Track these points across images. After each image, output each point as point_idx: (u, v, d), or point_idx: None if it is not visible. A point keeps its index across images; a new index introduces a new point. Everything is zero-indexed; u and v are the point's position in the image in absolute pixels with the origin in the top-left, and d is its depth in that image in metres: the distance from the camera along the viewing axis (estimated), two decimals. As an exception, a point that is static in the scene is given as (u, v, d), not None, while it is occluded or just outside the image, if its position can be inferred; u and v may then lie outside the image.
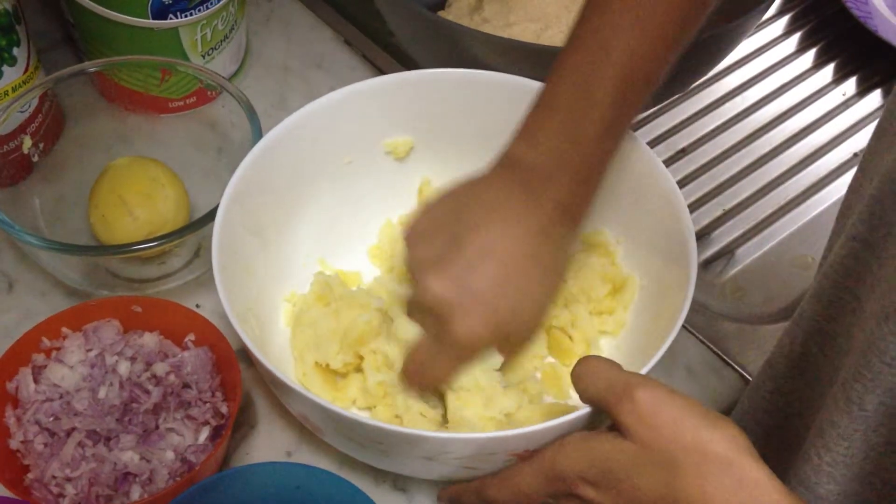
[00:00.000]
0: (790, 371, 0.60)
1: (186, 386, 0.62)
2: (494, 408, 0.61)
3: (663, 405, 0.46)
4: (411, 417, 0.61)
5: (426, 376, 0.58)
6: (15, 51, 0.72)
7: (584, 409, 0.52)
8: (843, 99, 0.94)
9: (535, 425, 0.51)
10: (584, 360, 0.52)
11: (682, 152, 0.88)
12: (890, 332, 0.48)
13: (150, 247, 0.65)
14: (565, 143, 0.55)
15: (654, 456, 0.45)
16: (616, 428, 0.48)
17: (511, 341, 0.58)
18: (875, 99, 0.94)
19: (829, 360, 0.56)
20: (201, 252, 0.70)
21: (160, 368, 0.62)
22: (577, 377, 0.51)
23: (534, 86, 0.60)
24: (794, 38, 0.99)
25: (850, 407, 0.51)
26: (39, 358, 0.62)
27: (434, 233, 0.57)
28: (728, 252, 0.81)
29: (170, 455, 0.59)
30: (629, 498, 0.46)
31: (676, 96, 0.90)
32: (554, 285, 0.57)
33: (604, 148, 0.56)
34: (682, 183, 0.85)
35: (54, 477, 0.58)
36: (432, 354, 0.57)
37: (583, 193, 0.56)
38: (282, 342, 0.67)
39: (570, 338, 0.67)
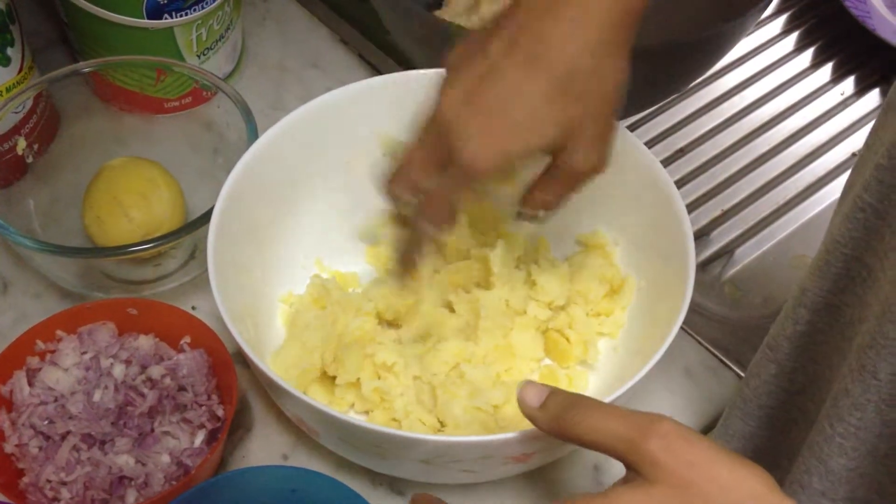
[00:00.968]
0: (794, 350, 0.59)
1: (182, 389, 0.62)
2: (481, 399, 0.60)
3: (693, 440, 0.42)
4: (409, 421, 0.61)
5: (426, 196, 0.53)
6: (9, 51, 0.71)
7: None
8: (841, 98, 0.93)
9: (533, 428, 0.51)
10: (585, 409, 0.46)
11: (681, 152, 0.88)
12: None
13: (146, 248, 0.64)
14: None
15: (690, 498, 0.41)
16: (638, 473, 0.43)
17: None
18: (873, 98, 0.93)
19: (837, 331, 0.55)
20: (197, 253, 0.70)
21: (155, 371, 0.62)
22: (585, 431, 0.45)
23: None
24: (793, 38, 0.98)
25: (864, 375, 0.50)
26: (34, 361, 0.62)
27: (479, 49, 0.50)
28: (727, 252, 0.81)
29: (165, 458, 0.59)
30: None
31: (674, 96, 0.89)
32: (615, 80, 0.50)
33: None
34: (681, 183, 0.85)
35: (49, 481, 0.58)
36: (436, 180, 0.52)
37: None
38: (278, 344, 0.66)
39: (568, 339, 0.66)
